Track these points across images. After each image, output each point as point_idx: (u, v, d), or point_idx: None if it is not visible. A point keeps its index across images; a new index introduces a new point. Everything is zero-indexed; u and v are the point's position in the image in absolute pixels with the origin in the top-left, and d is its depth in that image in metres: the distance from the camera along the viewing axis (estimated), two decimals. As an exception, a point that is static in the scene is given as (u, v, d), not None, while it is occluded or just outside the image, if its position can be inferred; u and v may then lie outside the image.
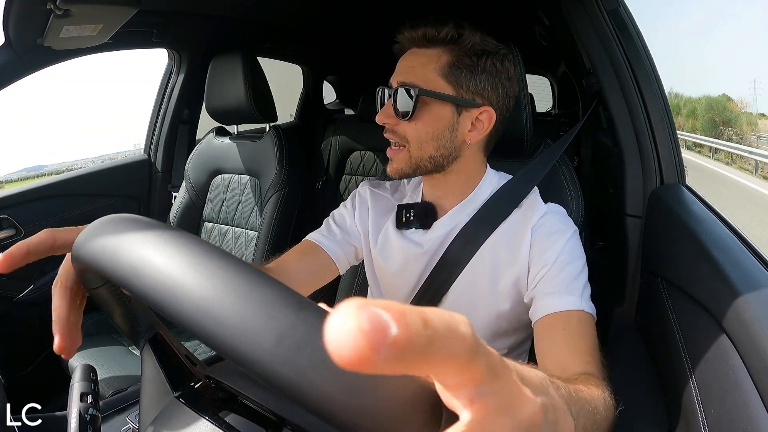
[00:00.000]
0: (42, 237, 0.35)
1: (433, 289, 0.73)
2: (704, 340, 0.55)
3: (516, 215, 0.71)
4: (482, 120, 0.68)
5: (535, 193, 0.74)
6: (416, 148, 0.68)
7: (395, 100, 0.67)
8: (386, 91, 0.70)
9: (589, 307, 0.62)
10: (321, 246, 0.78)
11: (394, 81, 0.69)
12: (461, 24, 0.66)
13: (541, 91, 3.47)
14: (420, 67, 0.67)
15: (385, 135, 0.70)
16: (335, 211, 0.85)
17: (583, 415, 0.36)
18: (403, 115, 0.67)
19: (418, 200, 0.78)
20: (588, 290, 0.64)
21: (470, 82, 0.66)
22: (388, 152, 0.71)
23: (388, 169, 0.72)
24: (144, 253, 0.25)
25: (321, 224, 0.84)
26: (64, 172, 1.71)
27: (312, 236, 0.81)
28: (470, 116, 0.68)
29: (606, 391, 0.47)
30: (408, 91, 0.66)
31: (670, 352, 0.63)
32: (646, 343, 0.78)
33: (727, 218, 0.72)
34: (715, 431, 0.48)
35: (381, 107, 0.71)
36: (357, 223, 0.81)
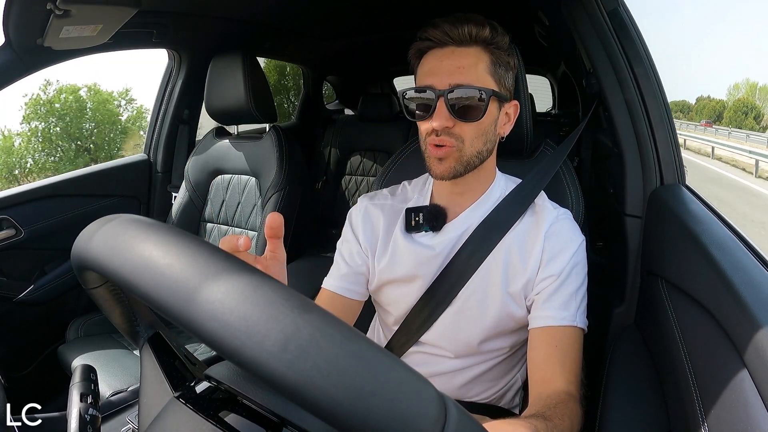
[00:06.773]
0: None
1: (441, 292, 0.72)
2: (704, 340, 0.55)
3: (528, 220, 0.72)
4: (510, 113, 0.73)
5: (543, 198, 0.75)
6: (468, 146, 0.67)
7: (453, 103, 0.65)
8: (434, 93, 0.65)
9: (582, 322, 0.67)
10: (341, 294, 0.78)
11: (441, 83, 0.65)
12: (493, 23, 0.67)
13: (541, 92, 3.47)
14: (471, 67, 0.66)
15: (436, 140, 0.67)
16: (340, 245, 0.82)
17: None
18: (467, 116, 0.65)
19: (426, 203, 0.77)
20: (585, 301, 0.69)
21: (506, 79, 0.69)
22: (438, 153, 0.67)
23: (438, 170, 0.68)
24: (146, 254, 0.24)
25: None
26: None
27: (328, 285, 0.79)
28: (504, 110, 0.72)
29: (579, 411, 0.57)
30: (476, 93, 0.65)
31: (670, 352, 0.63)
32: (646, 343, 0.77)
33: (726, 218, 0.72)
34: (715, 431, 0.48)
35: (427, 111, 0.66)
36: (362, 245, 0.79)
